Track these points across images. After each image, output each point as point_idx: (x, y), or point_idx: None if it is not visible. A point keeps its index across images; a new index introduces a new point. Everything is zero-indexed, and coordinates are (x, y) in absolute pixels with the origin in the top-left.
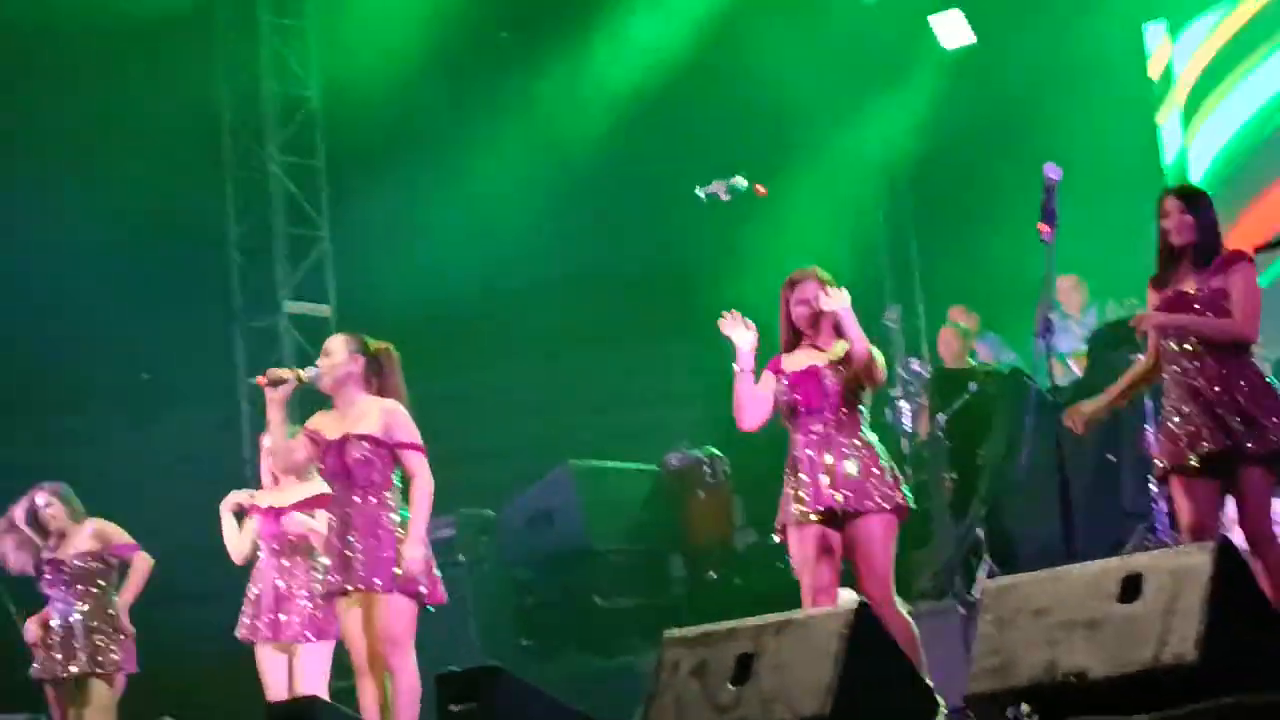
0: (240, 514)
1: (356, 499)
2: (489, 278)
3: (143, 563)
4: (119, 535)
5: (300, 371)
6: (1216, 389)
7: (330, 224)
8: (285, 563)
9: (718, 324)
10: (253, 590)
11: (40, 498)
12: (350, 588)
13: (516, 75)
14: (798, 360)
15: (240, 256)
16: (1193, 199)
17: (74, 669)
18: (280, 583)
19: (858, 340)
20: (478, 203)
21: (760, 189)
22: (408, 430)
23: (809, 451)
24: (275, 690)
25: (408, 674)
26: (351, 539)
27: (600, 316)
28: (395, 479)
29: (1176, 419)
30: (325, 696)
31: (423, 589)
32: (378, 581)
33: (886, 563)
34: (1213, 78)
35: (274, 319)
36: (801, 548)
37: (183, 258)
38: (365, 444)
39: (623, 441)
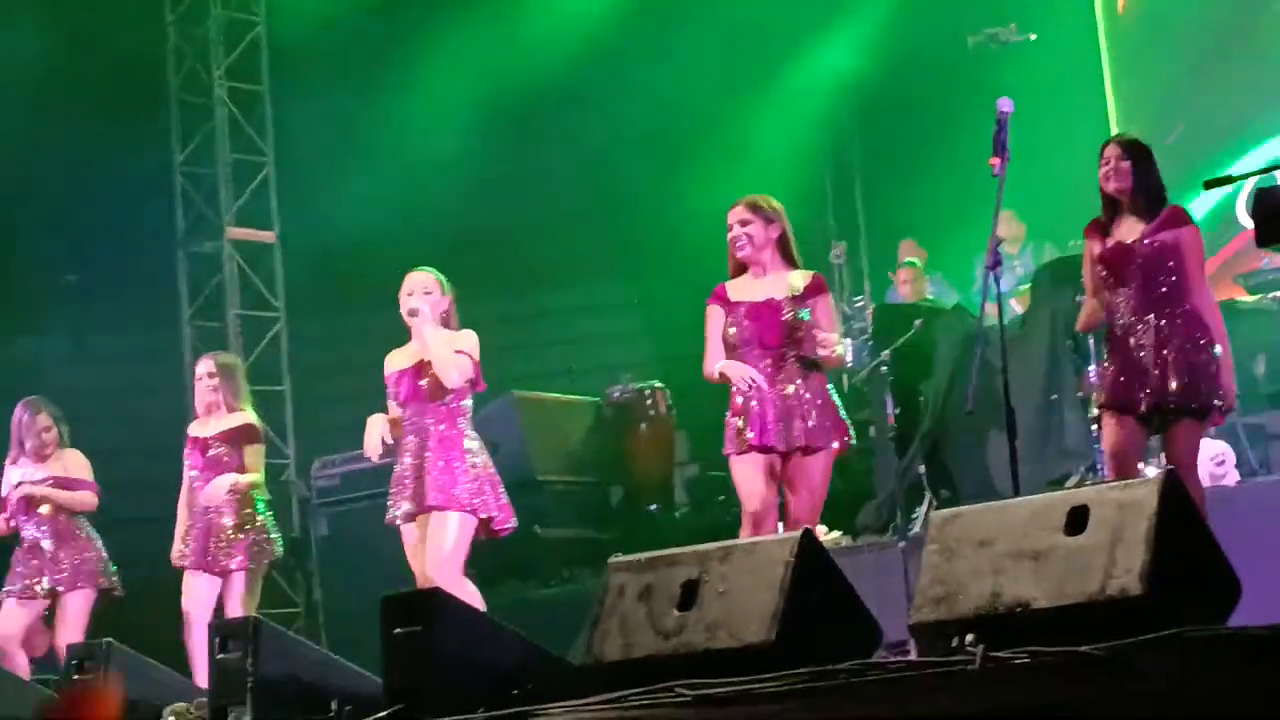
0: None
1: (430, 419)
2: (430, 207)
3: (85, 497)
4: (82, 469)
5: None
6: (1155, 341)
7: (275, 150)
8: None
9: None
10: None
11: (42, 418)
12: (419, 509)
13: (460, 2)
14: (749, 290)
15: (184, 181)
16: (1131, 147)
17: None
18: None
19: (832, 364)
20: (419, 132)
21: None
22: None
23: (766, 388)
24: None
25: (465, 591)
26: (425, 459)
27: (543, 253)
28: (467, 404)
29: (1115, 366)
30: None
31: (491, 513)
32: (446, 500)
33: (821, 496)
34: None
35: (217, 244)
36: (748, 478)
37: (127, 183)
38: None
39: (566, 377)
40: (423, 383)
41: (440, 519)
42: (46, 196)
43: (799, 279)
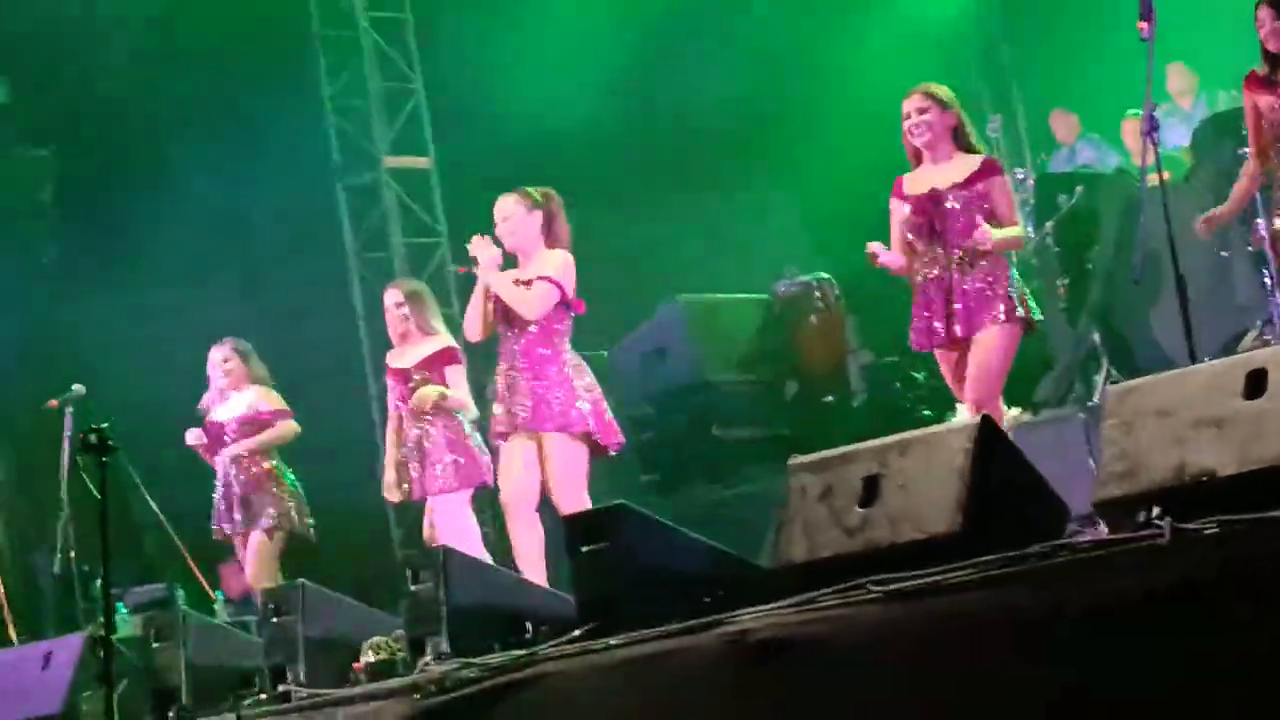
0: None
1: (522, 341)
2: (585, 120)
3: (285, 426)
4: (274, 401)
5: (480, 254)
6: None
7: (422, 76)
8: (424, 423)
9: None
10: (394, 454)
11: (220, 351)
12: (519, 429)
13: None
14: (922, 180)
15: (336, 115)
16: None
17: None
18: (425, 443)
19: (1004, 244)
20: (571, 43)
21: None
22: (569, 277)
23: (935, 279)
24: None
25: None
26: (516, 379)
27: (702, 156)
28: (566, 326)
29: None
30: (477, 541)
31: (589, 428)
32: (541, 422)
33: (1002, 372)
34: None
35: (375, 175)
36: (945, 368)
37: (279, 122)
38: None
39: (731, 278)
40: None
41: (547, 443)
42: (200, 142)
43: (971, 163)
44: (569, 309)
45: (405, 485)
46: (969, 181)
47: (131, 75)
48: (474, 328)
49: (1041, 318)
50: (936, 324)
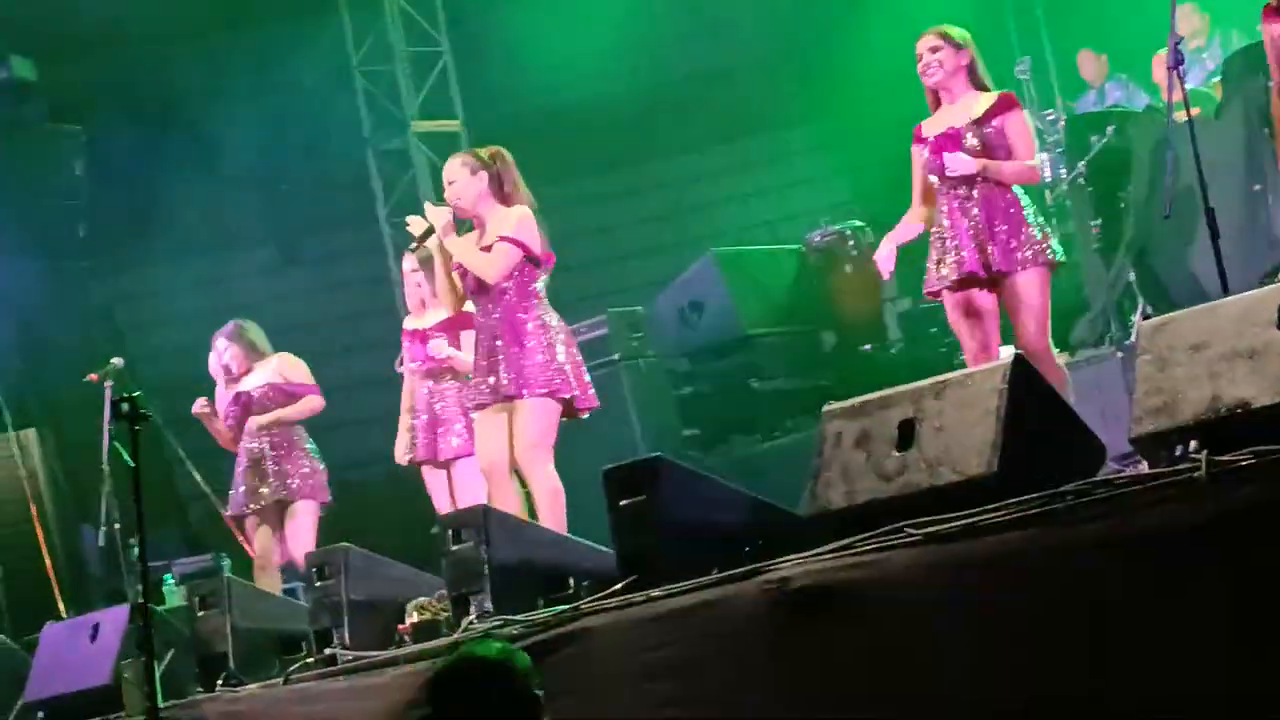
0: None
1: (498, 309)
2: (611, 78)
3: (309, 403)
4: (300, 372)
5: (433, 220)
6: None
7: (449, 39)
8: (436, 385)
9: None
10: (406, 418)
11: (222, 339)
12: (496, 398)
13: None
14: (938, 122)
15: (364, 80)
16: None
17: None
18: (436, 405)
19: (1016, 178)
20: (595, 6)
21: None
22: (529, 233)
23: (954, 218)
24: (443, 505)
25: (550, 477)
26: (497, 348)
27: (726, 109)
28: (539, 285)
29: None
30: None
31: (573, 393)
32: (522, 387)
33: (1043, 315)
34: None
35: (404, 139)
36: (952, 313)
37: (309, 89)
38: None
39: (764, 229)
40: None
41: (522, 407)
42: (232, 111)
43: (986, 100)
44: (539, 265)
45: (412, 448)
46: (986, 117)
47: (157, 48)
48: (446, 299)
49: (1064, 259)
50: (964, 254)
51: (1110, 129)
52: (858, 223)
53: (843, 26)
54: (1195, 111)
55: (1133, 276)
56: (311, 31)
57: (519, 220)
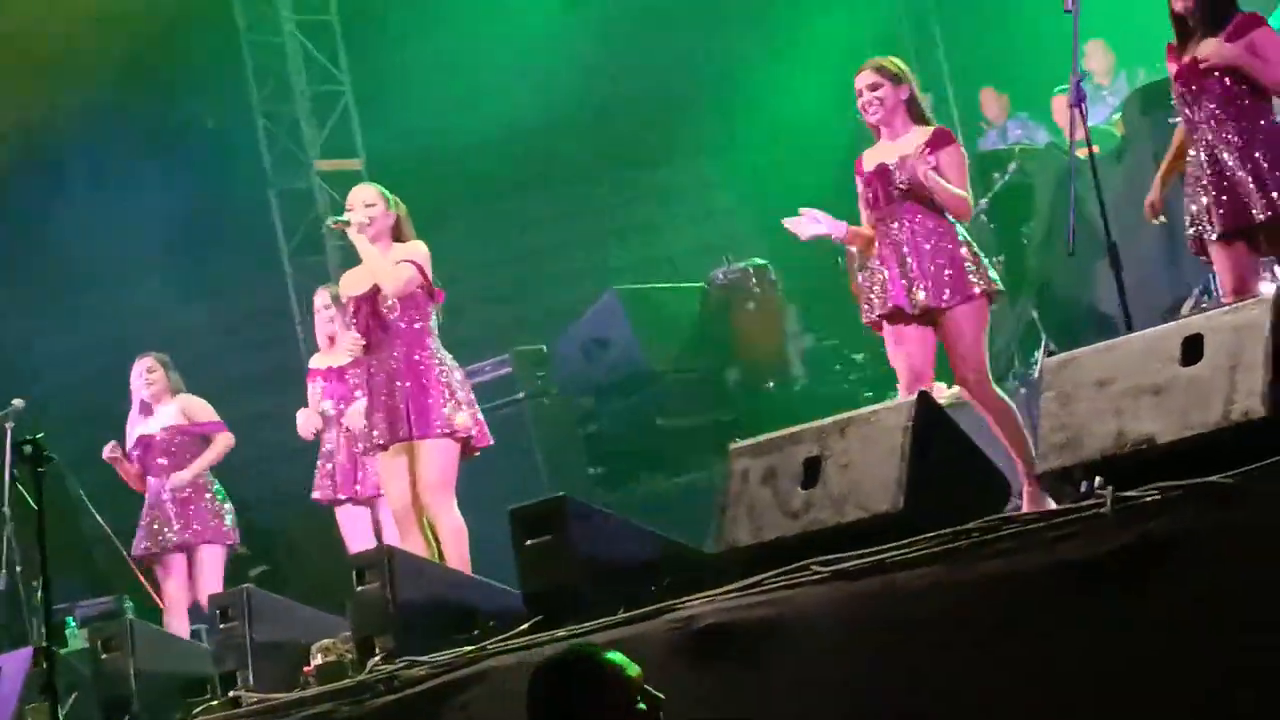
0: None
1: (396, 349)
2: (514, 112)
3: (223, 442)
4: (205, 412)
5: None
6: (1236, 155)
7: (350, 77)
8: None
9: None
10: (328, 452)
11: (143, 363)
12: (395, 440)
13: None
14: (877, 156)
15: (265, 121)
16: None
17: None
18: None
19: (950, 200)
20: (497, 39)
21: None
22: (427, 265)
23: (884, 251)
24: (358, 544)
25: (454, 517)
26: (397, 389)
27: (630, 142)
28: (433, 324)
29: (1201, 190)
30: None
31: (470, 433)
32: (425, 429)
33: (979, 347)
34: None
35: (307, 179)
36: (888, 343)
37: (210, 130)
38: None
39: (667, 265)
40: (384, 308)
41: (423, 448)
42: (135, 147)
43: (923, 135)
44: (433, 297)
45: (330, 485)
46: (920, 152)
47: (57, 77)
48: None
49: (1003, 288)
50: (891, 288)
51: (1013, 166)
52: (760, 261)
53: (749, 62)
54: (1095, 149)
55: (1035, 313)
56: (214, 71)
57: (421, 252)
